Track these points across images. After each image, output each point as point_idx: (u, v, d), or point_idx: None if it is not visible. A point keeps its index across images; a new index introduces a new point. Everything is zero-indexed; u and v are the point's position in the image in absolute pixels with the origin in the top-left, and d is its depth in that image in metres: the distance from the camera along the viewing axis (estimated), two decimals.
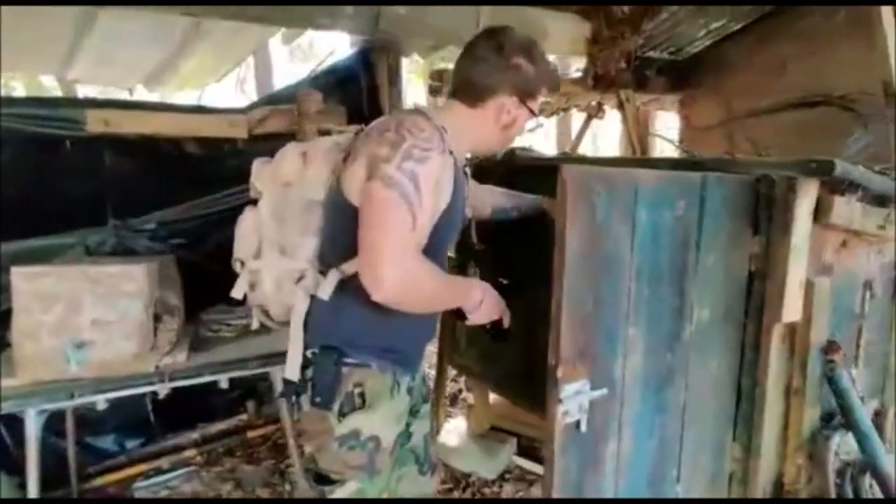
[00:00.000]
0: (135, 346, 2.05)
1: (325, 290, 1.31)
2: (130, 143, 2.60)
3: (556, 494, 1.23)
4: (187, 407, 2.82)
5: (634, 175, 1.31)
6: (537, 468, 2.77)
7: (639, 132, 3.54)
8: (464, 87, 1.38)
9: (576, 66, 3.96)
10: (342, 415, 1.33)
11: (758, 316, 1.57)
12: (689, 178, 1.41)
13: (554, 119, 5.56)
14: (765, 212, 1.53)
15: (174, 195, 2.73)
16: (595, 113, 3.79)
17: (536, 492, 2.66)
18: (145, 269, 2.06)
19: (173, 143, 2.71)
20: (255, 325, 1.57)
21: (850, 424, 1.64)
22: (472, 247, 1.59)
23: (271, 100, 2.96)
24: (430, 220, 1.26)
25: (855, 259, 1.75)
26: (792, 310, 1.53)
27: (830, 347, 1.63)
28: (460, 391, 3.63)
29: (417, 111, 1.33)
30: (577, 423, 1.24)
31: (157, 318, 2.15)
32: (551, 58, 1.57)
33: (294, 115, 2.70)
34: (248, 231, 1.51)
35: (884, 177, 1.65)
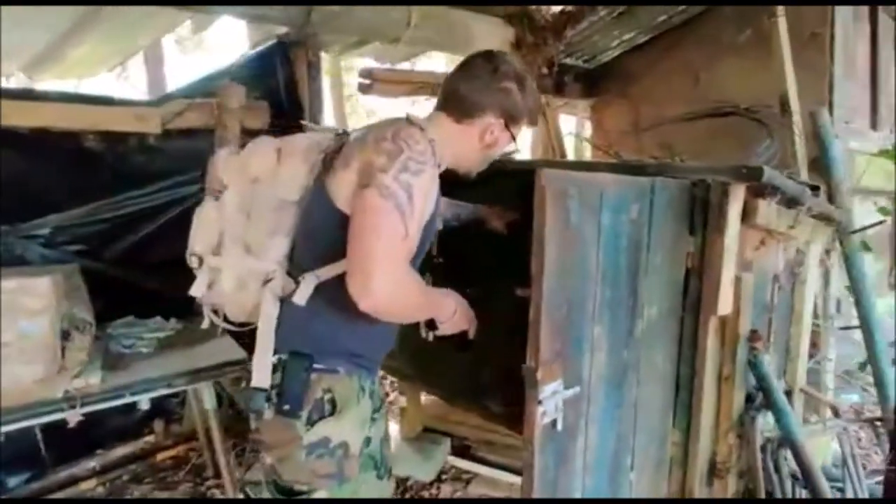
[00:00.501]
0: (39, 370, 1.81)
1: (302, 294, 1.25)
2: (20, 137, 2.30)
3: (536, 495, 1.25)
4: (83, 431, 2.47)
5: (600, 180, 1.36)
6: (473, 467, 2.80)
7: (559, 136, 3.70)
8: (453, 100, 1.37)
9: None
10: (311, 423, 1.28)
11: (694, 310, 1.70)
12: (641, 183, 1.49)
13: None
14: (700, 214, 1.66)
15: (73, 196, 2.46)
16: None
17: (474, 490, 2.69)
18: (51, 282, 1.82)
19: (72, 137, 2.42)
20: (205, 324, 1.47)
21: (770, 404, 1.83)
22: (431, 257, 1.58)
23: (183, 93, 2.74)
24: (419, 232, 1.23)
25: (767, 256, 1.95)
26: (725, 304, 1.67)
27: (753, 336, 1.81)
28: (387, 395, 3.58)
29: (411, 122, 1.29)
30: (554, 423, 1.26)
31: (64, 336, 1.91)
32: None
33: (213, 109, 2.52)
34: (208, 224, 1.40)
35: (793, 181, 1.84)
